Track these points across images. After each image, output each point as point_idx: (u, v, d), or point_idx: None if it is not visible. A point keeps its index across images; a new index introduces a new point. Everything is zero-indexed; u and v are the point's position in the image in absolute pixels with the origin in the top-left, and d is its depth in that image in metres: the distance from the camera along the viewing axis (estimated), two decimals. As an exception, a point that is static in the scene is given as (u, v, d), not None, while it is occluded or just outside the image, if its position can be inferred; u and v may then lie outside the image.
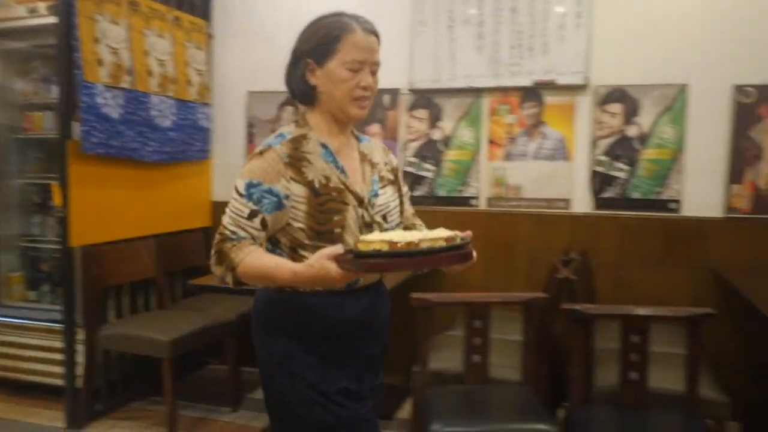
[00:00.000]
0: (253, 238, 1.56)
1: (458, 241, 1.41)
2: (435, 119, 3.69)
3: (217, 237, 1.58)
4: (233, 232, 1.55)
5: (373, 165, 1.71)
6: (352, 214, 1.59)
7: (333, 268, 1.39)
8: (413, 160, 3.73)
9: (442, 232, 1.41)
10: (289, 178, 1.55)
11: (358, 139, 1.75)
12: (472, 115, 3.62)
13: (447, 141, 3.67)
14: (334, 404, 1.61)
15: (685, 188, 3.36)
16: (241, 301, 3.57)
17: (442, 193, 3.69)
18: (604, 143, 3.44)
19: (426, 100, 3.70)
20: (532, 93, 3.53)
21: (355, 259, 1.37)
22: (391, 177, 1.76)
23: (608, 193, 3.44)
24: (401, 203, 1.77)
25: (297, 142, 1.60)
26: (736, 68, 3.26)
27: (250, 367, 3.88)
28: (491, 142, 3.61)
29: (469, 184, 3.64)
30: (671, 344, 2.73)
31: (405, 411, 3.34)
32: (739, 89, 3.26)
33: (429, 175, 3.71)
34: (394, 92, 3.72)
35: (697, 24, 3.31)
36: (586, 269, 3.14)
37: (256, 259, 1.53)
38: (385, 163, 1.77)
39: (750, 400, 3.26)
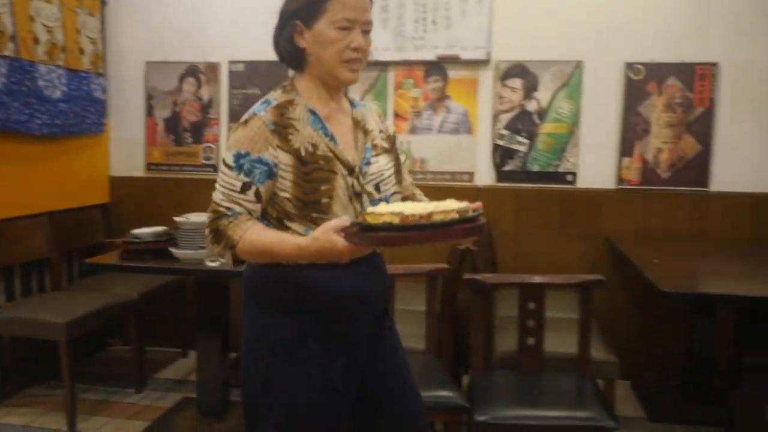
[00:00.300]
0: (249, 212, 1.49)
1: (470, 213, 1.36)
2: (341, 92, 3.66)
3: (210, 215, 1.50)
4: (228, 208, 1.48)
5: (366, 132, 1.63)
6: (341, 183, 1.52)
7: (339, 241, 1.34)
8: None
9: (453, 204, 1.35)
10: (275, 145, 1.48)
11: (352, 104, 1.67)
12: (378, 89, 3.63)
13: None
14: (312, 392, 1.53)
15: (581, 161, 3.51)
16: (144, 280, 3.46)
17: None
18: (506, 117, 3.54)
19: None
20: (437, 67, 3.57)
21: (363, 232, 1.31)
22: (386, 145, 1.67)
23: (509, 166, 3.55)
24: (398, 172, 1.68)
25: (283, 108, 1.52)
26: (627, 46, 3.42)
27: (155, 346, 3.80)
28: (397, 115, 3.63)
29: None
30: (566, 310, 2.87)
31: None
32: (630, 66, 3.42)
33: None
34: (299, 64, 3.66)
35: (592, 3, 3.44)
36: (488, 240, 3.24)
37: (257, 235, 1.46)
38: (380, 131, 1.68)
39: (638, 359, 3.49)
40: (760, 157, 3.38)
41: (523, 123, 3.53)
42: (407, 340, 2.57)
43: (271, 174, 1.48)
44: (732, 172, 3.40)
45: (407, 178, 1.77)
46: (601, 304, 3.44)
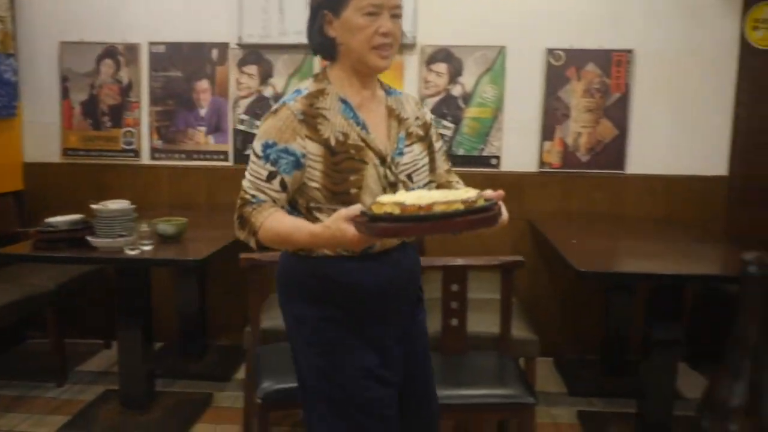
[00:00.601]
0: (274, 200, 1.50)
1: (480, 203, 1.30)
2: (266, 76, 3.61)
3: (239, 201, 1.52)
4: (253, 196, 1.49)
5: (400, 120, 1.60)
6: (371, 173, 1.50)
7: (350, 230, 1.32)
8: (245, 117, 3.65)
9: (463, 193, 1.31)
10: (304, 135, 1.47)
11: (387, 92, 1.64)
12: (304, 72, 3.59)
13: (278, 98, 3.61)
14: (348, 381, 1.54)
15: (504, 145, 3.59)
16: (62, 270, 3.34)
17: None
18: (431, 102, 3.57)
19: (256, 55, 3.60)
20: (363, 51, 3.55)
21: (369, 222, 1.28)
22: (421, 133, 1.65)
23: (435, 150, 3.59)
24: (432, 160, 1.67)
25: (313, 97, 1.51)
26: (548, 33, 3.50)
27: (77, 338, 3.68)
28: (323, 99, 3.60)
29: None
30: (489, 291, 2.93)
31: (243, 371, 3.33)
32: (551, 52, 3.51)
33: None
34: (222, 47, 3.58)
35: (514, -11, 3.51)
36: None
37: (276, 222, 1.47)
38: (416, 118, 1.65)
39: (559, 337, 3.62)
40: (672, 141, 3.53)
41: (449, 107, 3.57)
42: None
43: (298, 164, 1.48)
44: (646, 155, 3.54)
45: (442, 165, 1.74)
46: (524, 285, 3.54)
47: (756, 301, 0.41)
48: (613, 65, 3.49)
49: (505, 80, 3.54)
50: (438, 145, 1.72)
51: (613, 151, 3.54)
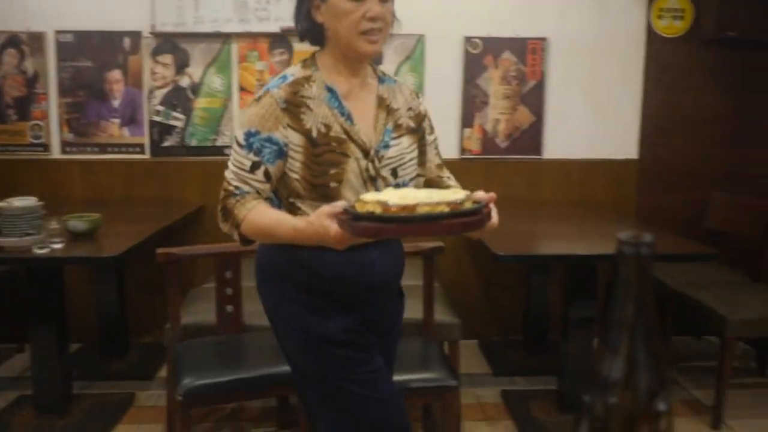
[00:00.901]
0: (258, 191, 1.45)
1: (467, 205, 1.22)
2: (182, 65, 3.51)
3: (222, 193, 1.48)
4: (236, 187, 1.45)
5: (390, 111, 1.53)
6: (353, 167, 1.45)
7: (333, 227, 1.27)
8: (160, 108, 3.54)
9: (450, 194, 1.23)
10: (286, 124, 1.43)
11: (380, 80, 1.57)
12: (221, 62, 3.52)
13: (196, 88, 3.53)
14: (333, 345, 1.50)
15: (426, 133, 3.62)
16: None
17: (193, 143, 3.56)
18: (352, 90, 3.56)
19: (171, 44, 3.50)
20: (281, 39, 3.51)
21: (351, 220, 1.23)
22: (412, 125, 1.58)
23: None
24: (422, 154, 1.60)
25: (298, 85, 1.45)
26: (465, 21, 3.55)
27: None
28: (242, 89, 3.54)
29: (222, 133, 3.56)
30: (413, 277, 2.96)
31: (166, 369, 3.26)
32: (468, 41, 3.56)
33: (179, 124, 3.55)
34: (134, 35, 3.45)
35: (431, -23, 3.53)
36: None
37: (259, 215, 1.43)
38: (409, 108, 1.58)
39: (483, 319, 3.70)
40: (585, 127, 3.66)
41: (370, 96, 3.57)
42: (258, 317, 2.57)
43: (281, 154, 1.44)
44: (562, 140, 3.65)
45: (433, 159, 1.67)
46: (448, 270, 3.60)
47: (631, 279, 0.44)
48: (528, 53, 3.57)
49: (424, 68, 3.57)
50: (431, 138, 1.66)
51: (531, 137, 3.63)
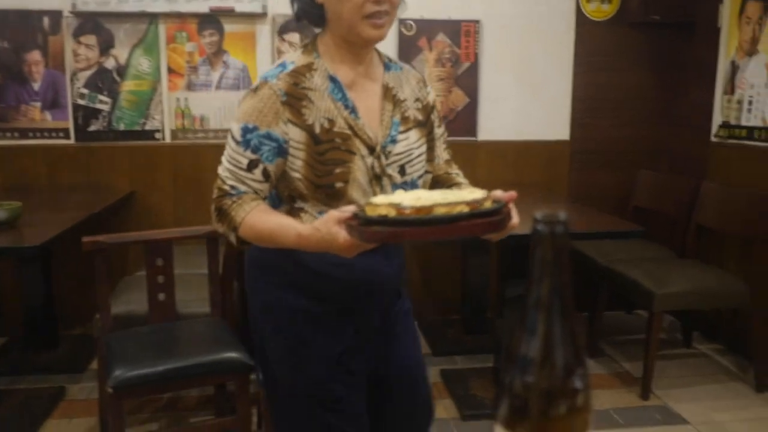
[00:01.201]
0: (256, 191, 1.33)
1: (487, 205, 1.13)
2: (106, 46, 3.38)
3: (215, 191, 1.35)
4: (232, 187, 1.32)
5: (396, 102, 1.41)
6: (359, 166, 1.33)
7: (341, 235, 1.14)
8: (84, 91, 3.40)
9: (468, 194, 1.13)
10: (286, 119, 1.30)
11: (386, 67, 1.44)
12: (148, 43, 3.40)
13: (122, 70, 3.40)
14: (315, 373, 1.41)
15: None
16: None
17: (121, 127, 3.44)
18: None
19: (94, 24, 3.35)
20: (211, 20, 3.42)
21: (361, 225, 1.12)
22: (420, 117, 1.45)
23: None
24: (431, 149, 1.48)
25: (299, 75, 1.32)
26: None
27: None
28: (171, 71, 3.44)
29: (151, 116, 3.45)
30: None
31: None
32: (402, 22, 3.55)
33: (105, 108, 3.42)
34: (54, 14, 3.29)
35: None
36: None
37: (259, 219, 1.30)
38: (416, 99, 1.46)
39: (424, 300, 3.73)
40: (519, 108, 3.71)
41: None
42: (191, 305, 2.52)
43: (281, 151, 1.32)
44: (496, 122, 3.70)
45: (442, 155, 1.56)
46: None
47: (546, 257, 0.44)
48: (462, 35, 3.59)
49: (359, 50, 3.54)
50: (439, 131, 1.54)
51: (466, 118, 3.66)
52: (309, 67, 1.34)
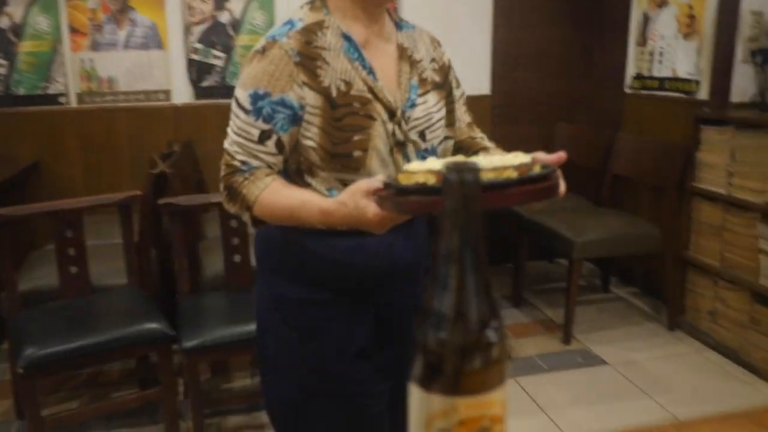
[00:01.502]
0: (269, 165, 1.20)
1: (537, 169, 1.02)
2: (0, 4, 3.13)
3: (224, 168, 1.21)
4: (243, 162, 1.19)
5: (413, 63, 1.29)
6: (379, 132, 1.21)
7: (370, 207, 1.03)
8: (-24, 53, 3.15)
9: (513, 158, 1.02)
10: (301, 82, 1.17)
11: (398, 26, 1.31)
12: (46, 0, 3.16)
13: (18, 30, 3.16)
14: (333, 368, 1.29)
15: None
16: None
17: (21, 91, 3.22)
18: (198, 30, 3.34)
19: (-18, -21, 3.10)
20: (113, -26, 3.21)
21: (395, 196, 1.00)
22: (437, 79, 1.34)
23: (207, 82, 3.40)
24: (450, 112, 1.36)
25: (310, 33, 1.18)
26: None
27: None
28: (73, 30, 3.22)
29: (53, 79, 3.23)
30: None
31: (11, 339, 3.01)
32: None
33: (1, 71, 3.18)
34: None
35: None
36: (192, 161, 3.11)
37: (276, 196, 1.17)
38: (432, 60, 1.34)
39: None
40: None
41: (218, 36, 3.37)
42: (107, 277, 2.42)
43: (296, 119, 1.19)
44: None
45: (463, 117, 1.43)
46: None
47: (457, 207, 0.42)
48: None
49: (274, 5, 3.41)
50: (458, 93, 1.42)
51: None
52: (320, 25, 1.21)
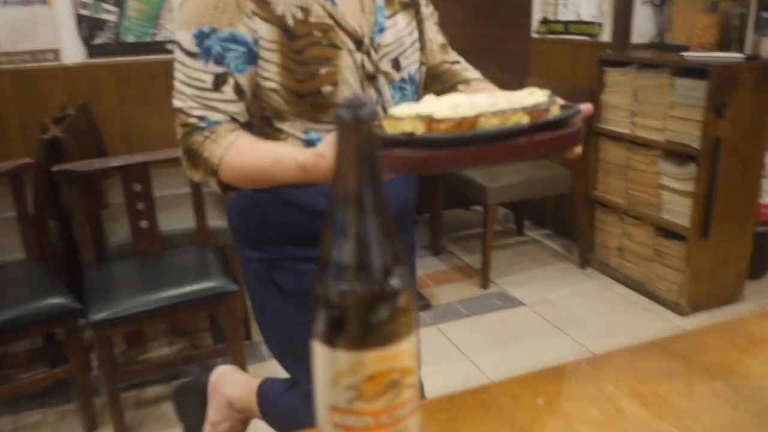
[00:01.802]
0: (232, 117, 1.03)
1: (555, 111, 0.81)
2: None
3: (179, 130, 1.04)
4: (201, 118, 1.02)
5: None
6: (347, 63, 1.06)
7: None
8: None
9: (524, 98, 0.81)
10: (250, 12, 1.01)
11: None
12: None
13: None
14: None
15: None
16: None
17: None
18: (85, -18, 3.10)
19: None
20: None
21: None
22: None
23: (100, 39, 3.18)
24: (420, 33, 1.21)
25: None
26: None
27: None
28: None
29: None
30: (177, 186, 2.78)
31: None
32: None
33: None
34: None
35: None
36: (89, 124, 2.92)
37: (243, 154, 1.00)
38: None
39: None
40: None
41: (107, -12, 3.15)
42: (2, 252, 2.25)
43: (251, 57, 1.03)
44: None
45: (434, 38, 1.28)
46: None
47: (351, 145, 0.39)
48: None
49: (167, -46, 3.21)
50: (427, 11, 1.26)
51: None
52: None
